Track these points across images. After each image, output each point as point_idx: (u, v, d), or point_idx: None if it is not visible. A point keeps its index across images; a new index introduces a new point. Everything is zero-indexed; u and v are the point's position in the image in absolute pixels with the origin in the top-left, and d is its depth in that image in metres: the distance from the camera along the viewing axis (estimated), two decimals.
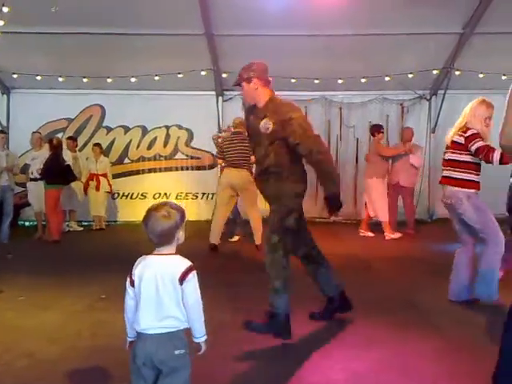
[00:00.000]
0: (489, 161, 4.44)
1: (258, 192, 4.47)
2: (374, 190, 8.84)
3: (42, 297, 4.92)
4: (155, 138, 11.38)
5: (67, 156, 9.38)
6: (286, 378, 3.09)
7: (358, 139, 11.20)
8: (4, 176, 8.43)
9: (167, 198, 11.39)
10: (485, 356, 3.05)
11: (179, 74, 10.11)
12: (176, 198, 11.38)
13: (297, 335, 3.74)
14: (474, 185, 4.61)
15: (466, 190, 4.56)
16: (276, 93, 12.01)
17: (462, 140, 4.56)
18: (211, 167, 11.27)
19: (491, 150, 4.42)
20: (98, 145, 10.39)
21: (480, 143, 4.45)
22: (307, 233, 4.13)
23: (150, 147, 11.39)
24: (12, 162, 8.71)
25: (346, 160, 11.26)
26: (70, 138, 10.37)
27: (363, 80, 10.42)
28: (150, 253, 2.33)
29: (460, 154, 4.59)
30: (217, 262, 6.81)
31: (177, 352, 2.22)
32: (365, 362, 3.30)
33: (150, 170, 11.44)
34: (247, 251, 7.45)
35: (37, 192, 8.88)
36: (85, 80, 10.44)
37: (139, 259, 2.34)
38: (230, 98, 11.25)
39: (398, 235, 8.71)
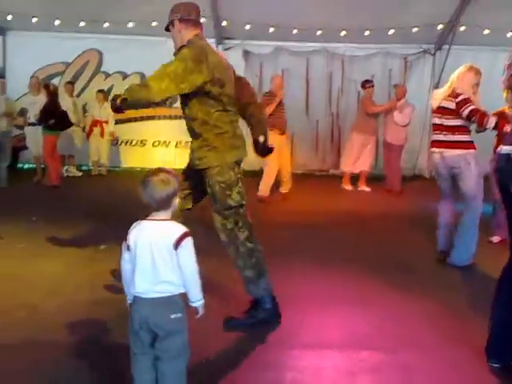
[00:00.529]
0: (481, 125, 4.45)
1: None
2: (348, 142, 9.29)
3: (42, 245, 4.99)
4: None
5: (65, 101, 9.31)
6: (280, 340, 3.17)
7: (359, 93, 11.03)
8: (2, 121, 8.38)
9: (166, 146, 11.38)
10: (474, 322, 3.16)
11: None
12: (176, 146, 11.36)
13: (287, 293, 3.71)
14: (474, 145, 4.64)
15: (472, 151, 4.60)
16: (277, 43, 11.81)
17: (452, 105, 4.56)
18: None
19: (485, 114, 4.43)
20: (101, 91, 10.26)
21: (472, 107, 4.45)
22: None
23: None
24: (10, 107, 8.64)
25: (347, 113, 11.15)
26: (68, 82, 10.25)
27: (367, 32, 10.22)
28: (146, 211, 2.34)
29: (452, 118, 4.59)
30: None
31: (173, 316, 2.26)
32: (360, 324, 3.39)
33: (149, 117, 11.35)
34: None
35: (35, 137, 8.86)
36: (81, 24, 10.21)
37: (134, 224, 2.36)
38: (231, 47, 11.06)
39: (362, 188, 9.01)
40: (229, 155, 3.30)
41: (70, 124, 9.18)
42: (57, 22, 10.19)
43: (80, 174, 10.10)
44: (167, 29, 3.49)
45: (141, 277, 2.28)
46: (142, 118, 11.29)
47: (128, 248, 2.32)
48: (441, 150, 4.70)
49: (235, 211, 3.29)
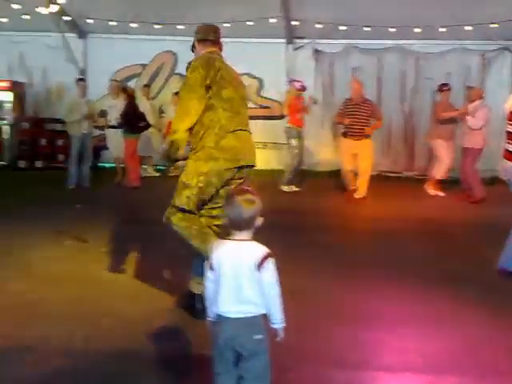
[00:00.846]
0: None
1: None
2: (437, 150, 8.94)
3: (122, 250, 5.16)
4: None
5: (142, 103, 9.63)
6: (355, 361, 3.17)
7: (434, 91, 10.77)
8: (84, 123, 8.79)
9: None
10: None
11: (249, 21, 9.98)
12: None
13: (363, 310, 3.76)
14: None
15: None
16: (348, 41, 11.78)
17: None
18: (281, 117, 11.24)
19: None
20: (177, 94, 10.51)
21: None
22: None
23: None
24: (91, 109, 9.04)
25: (422, 113, 10.89)
26: (145, 85, 10.59)
27: (442, 29, 9.92)
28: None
29: None
30: None
31: (255, 337, 2.30)
32: (439, 345, 3.30)
33: None
34: None
35: (115, 138, 9.25)
36: (156, 27, 10.51)
37: (217, 243, 2.44)
38: (301, 46, 11.06)
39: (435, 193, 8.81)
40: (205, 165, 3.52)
41: (149, 126, 9.49)
42: (133, 25, 10.53)
43: (157, 174, 10.43)
44: (192, 50, 3.83)
45: (225, 296, 2.32)
46: None
47: (211, 267, 2.37)
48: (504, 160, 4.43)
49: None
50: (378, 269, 4.75)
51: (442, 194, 8.84)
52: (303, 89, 9.10)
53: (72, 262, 4.82)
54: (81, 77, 9.95)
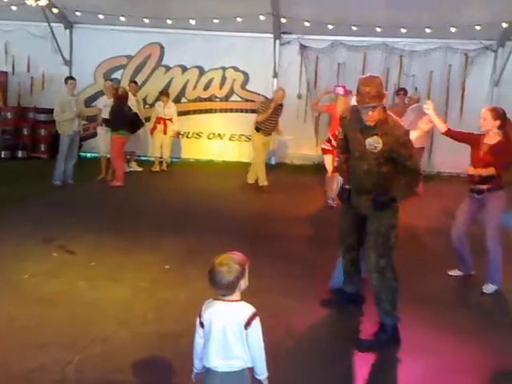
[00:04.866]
0: None
1: None
2: None
3: (110, 265, 5.32)
4: (212, 80, 11.49)
5: (130, 99, 9.62)
6: None
7: (416, 88, 10.95)
8: (75, 122, 8.84)
9: (221, 138, 11.68)
10: None
11: (237, 17, 10.02)
12: (229, 139, 11.63)
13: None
14: None
15: None
16: (334, 37, 11.85)
17: None
18: None
19: None
20: (164, 92, 10.56)
21: None
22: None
23: (206, 88, 11.53)
24: (80, 107, 9.07)
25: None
26: (133, 82, 10.60)
27: (428, 30, 10.08)
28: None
29: None
30: None
31: None
32: None
33: (205, 111, 11.64)
34: None
35: (105, 137, 9.25)
36: (145, 20, 10.49)
37: (207, 303, 2.60)
38: (288, 42, 11.12)
39: None
40: None
41: (142, 125, 9.54)
42: (122, 19, 10.49)
43: (141, 169, 10.51)
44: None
45: (213, 352, 2.52)
46: (199, 111, 11.60)
47: (202, 325, 2.57)
48: None
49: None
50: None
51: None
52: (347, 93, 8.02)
53: (61, 279, 4.92)
54: (70, 76, 9.85)
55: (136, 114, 9.32)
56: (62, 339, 3.81)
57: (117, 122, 8.80)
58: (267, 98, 9.97)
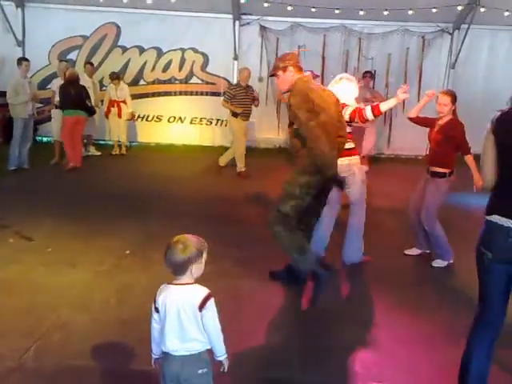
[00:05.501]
0: None
1: None
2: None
3: (67, 249, 5.25)
4: (170, 61, 11.33)
5: (85, 81, 9.43)
6: None
7: (375, 71, 11.06)
8: (29, 104, 8.60)
9: (182, 121, 11.55)
10: None
11: None
12: (191, 122, 11.53)
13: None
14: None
15: None
16: (294, 19, 11.96)
17: None
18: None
19: None
20: (114, 74, 10.33)
21: None
22: None
23: (165, 70, 11.37)
24: (34, 89, 8.83)
25: None
26: (88, 63, 10.35)
27: (386, 12, 10.17)
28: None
29: None
30: None
31: (200, 371, 2.53)
32: None
33: (165, 93, 11.48)
34: None
35: (59, 120, 9.05)
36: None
37: (162, 287, 2.58)
38: (248, 23, 11.04)
39: None
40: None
41: (94, 111, 9.34)
42: None
43: (99, 153, 10.34)
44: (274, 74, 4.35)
45: (170, 336, 2.52)
46: (158, 94, 11.44)
47: (157, 310, 2.56)
48: None
49: None
50: None
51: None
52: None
53: (18, 265, 4.83)
54: (24, 57, 9.53)
55: (83, 88, 8.97)
56: (20, 326, 3.75)
57: (63, 102, 8.67)
58: (230, 84, 9.80)
